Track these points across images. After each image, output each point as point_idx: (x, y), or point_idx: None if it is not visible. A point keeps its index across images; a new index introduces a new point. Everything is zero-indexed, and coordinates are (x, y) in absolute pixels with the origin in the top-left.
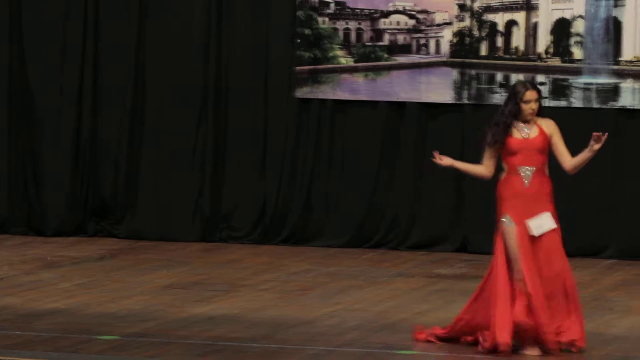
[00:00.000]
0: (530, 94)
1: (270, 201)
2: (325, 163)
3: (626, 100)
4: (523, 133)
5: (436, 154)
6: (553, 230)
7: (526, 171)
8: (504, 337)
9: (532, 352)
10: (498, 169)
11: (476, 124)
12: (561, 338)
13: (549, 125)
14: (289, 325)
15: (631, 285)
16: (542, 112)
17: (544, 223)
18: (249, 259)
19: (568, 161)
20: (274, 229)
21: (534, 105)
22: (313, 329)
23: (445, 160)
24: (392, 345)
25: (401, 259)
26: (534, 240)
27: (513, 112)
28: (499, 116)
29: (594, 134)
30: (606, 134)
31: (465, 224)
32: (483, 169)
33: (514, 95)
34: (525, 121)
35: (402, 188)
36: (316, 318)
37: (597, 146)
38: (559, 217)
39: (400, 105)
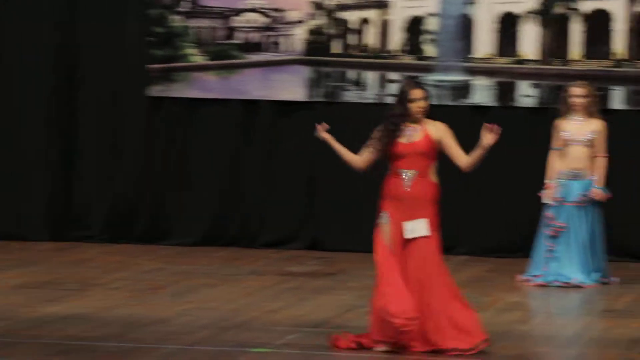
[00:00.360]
0: (416, 92)
1: (122, 199)
2: (178, 161)
3: (478, 97)
4: (407, 137)
5: (323, 125)
6: (428, 236)
7: (407, 174)
8: (408, 313)
9: (380, 347)
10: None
11: (329, 121)
12: (443, 344)
13: (437, 130)
14: (142, 324)
15: (483, 281)
16: (432, 114)
17: (417, 228)
18: (100, 258)
19: (463, 161)
20: (126, 227)
21: (421, 104)
22: (165, 327)
23: (325, 134)
24: (244, 343)
25: (253, 257)
26: (409, 242)
27: (402, 114)
28: (388, 118)
29: (485, 124)
30: (499, 127)
31: (316, 222)
32: (358, 159)
33: (401, 95)
34: (414, 121)
35: (254, 186)
36: (169, 317)
37: (488, 141)
38: None
39: (253, 104)
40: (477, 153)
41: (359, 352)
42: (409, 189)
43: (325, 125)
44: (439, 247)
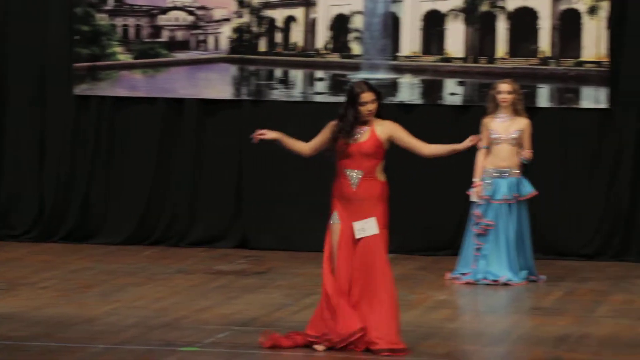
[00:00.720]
0: (366, 96)
1: (49, 199)
2: (105, 160)
3: (404, 95)
4: (354, 137)
5: (258, 133)
6: (376, 235)
7: (353, 174)
8: (350, 326)
9: (318, 347)
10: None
11: (255, 120)
12: (375, 344)
13: (385, 129)
14: (70, 323)
15: (409, 279)
16: (382, 114)
17: (366, 227)
18: (28, 258)
19: (424, 148)
20: (53, 226)
21: (370, 107)
22: (93, 326)
23: (270, 134)
24: (172, 342)
25: (181, 256)
26: (358, 242)
27: (354, 117)
28: (339, 122)
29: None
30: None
31: (245, 220)
32: (306, 146)
33: (352, 98)
34: (363, 122)
35: (182, 184)
36: (96, 316)
37: (465, 146)
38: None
39: (179, 102)
40: (447, 149)
41: (291, 351)
42: (355, 189)
43: (259, 132)
44: (386, 246)
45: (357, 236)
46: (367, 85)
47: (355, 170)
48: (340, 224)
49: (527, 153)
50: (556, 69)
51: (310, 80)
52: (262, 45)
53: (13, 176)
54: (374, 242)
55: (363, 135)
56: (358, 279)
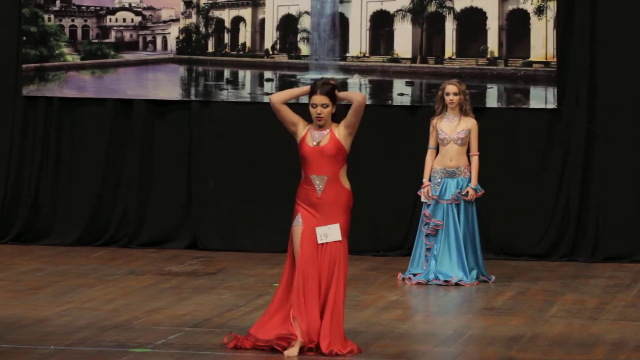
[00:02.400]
0: (316, 98)
1: None
2: (53, 161)
3: None
4: (314, 140)
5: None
6: (338, 242)
7: (318, 180)
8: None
9: (290, 352)
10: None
11: (204, 120)
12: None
13: (340, 127)
14: (20, 324)
15: (361, 280)
16: (341, 116)
17: (329, 233)
18: None
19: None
20: (2, 228)
21: (319, 110)
22: (44, 328)
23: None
24: (124, 343)
25: (132, 257)
26: (321, 245)
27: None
28: None
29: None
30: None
31: (195, 221)
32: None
33: (309, 96)
34: (319, 126)
35: (131, 185)
36: (47, 317)
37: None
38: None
39: (128, 103)
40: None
41: (254, 352)
42: (320, 195)
43: None
44: (347, 253)
45: (320, 241)
46: (323, 86)
47: (321, 176)
48: (303, 226)
49: (472, 194)
50: (505, 69)
51: (259, 80)
52: (211, 46)
53: None
54: (339, 250)
55: (324, 138)
56: (321, 283)
